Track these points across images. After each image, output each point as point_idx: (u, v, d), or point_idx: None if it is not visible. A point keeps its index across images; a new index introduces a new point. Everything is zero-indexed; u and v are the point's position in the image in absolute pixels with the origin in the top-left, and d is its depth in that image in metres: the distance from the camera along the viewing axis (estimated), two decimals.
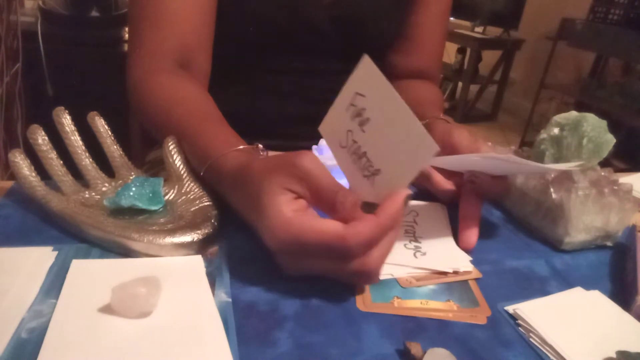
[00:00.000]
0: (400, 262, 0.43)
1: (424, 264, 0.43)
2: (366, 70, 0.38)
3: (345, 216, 0.36)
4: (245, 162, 0.42)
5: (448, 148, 0.53)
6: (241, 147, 0.45)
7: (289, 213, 0.36)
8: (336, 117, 0.41)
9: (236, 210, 0.43)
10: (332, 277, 0.38)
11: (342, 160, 0.41)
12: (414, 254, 0.45)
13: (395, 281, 0.41)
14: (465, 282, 0.43)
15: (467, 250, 0.47)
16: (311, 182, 0.37)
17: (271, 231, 0.36)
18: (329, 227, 0.35)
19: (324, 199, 0.37)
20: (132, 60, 0.59)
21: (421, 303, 0.39)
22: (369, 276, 0.37)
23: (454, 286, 0.42)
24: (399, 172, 0.37)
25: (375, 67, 0.37)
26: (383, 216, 0.35)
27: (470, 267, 0.44)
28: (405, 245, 0.46)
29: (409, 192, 0.37)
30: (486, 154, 0.47)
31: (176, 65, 0.58)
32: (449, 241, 0.48)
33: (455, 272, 0.43)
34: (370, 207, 0.37)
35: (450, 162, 0.51)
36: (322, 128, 0.43)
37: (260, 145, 0.50)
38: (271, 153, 0.48)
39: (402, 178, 0.37)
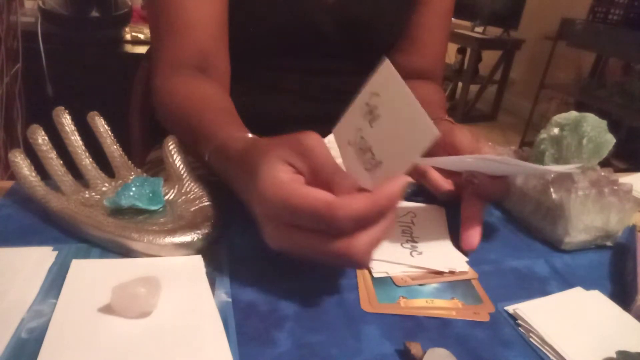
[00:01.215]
0: (395, 260, 0.43)
1: (419, 263, 0.43)
2: (385, 73, 0.38)
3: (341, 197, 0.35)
4: (251, 142, 0.42)
5: (449, 148, 0.53)
6: (250, 135, 0.46)
7: (283, 178, 0.35)
8: (350, 119, 0.41)
9: (236, 192, 0.43)
10: (316, 257, 0.36)
11: (347, 156, 0.41)
12: (410, 253, 0.45)
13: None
14: (468, 280, 0.43)
15: (469, 252, 0.46)
16: (311, 159, 0.36)
17: (261, 193, 0.35)
18: (319, 194, 0.34)
19: (322, 177, 0.36)
20: (154, 68, 0.61)
21: (427, 302, 0.39)
22: (354, 261, 0.35)
23: (457, 284, 0.42)
24: (398, 159, 0.36)
25: (394, 69, 0.37)
26: (378, 194, 0.33)
27: (466, 267, 0.44)
28: (401, 244, 0.46)
29: (409, 179, 0.35)
30: (480, 155, 0.46)
31: (195, 71, 0.60)
32: (446, 242, 0.48)
33: (451, 272, 0.43)
34: None
35: (447, 162, 0.51)
36: (336, 131, 0.43)
37: None
38: None
39: (400, 164, 0.36)
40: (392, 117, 0.37)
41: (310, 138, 0.37)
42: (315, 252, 0.35)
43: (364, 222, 0.34)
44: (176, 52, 0.60)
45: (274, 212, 0.35)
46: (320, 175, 0.36)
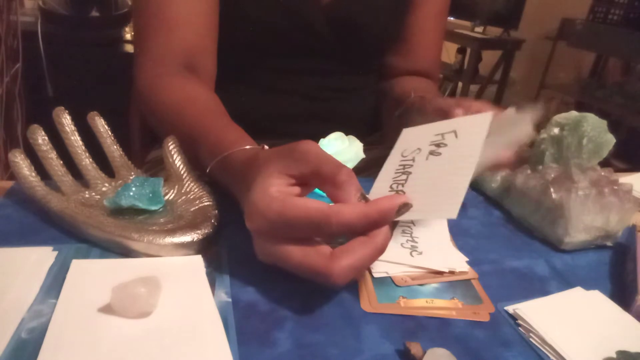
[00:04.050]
0: (395, 260, 0.43)
1: (419, 263, 0.43)
2: (479, 122, 0.39)
3: (344, 195, 0.36)
4: (253, 154, 0.43)
5: (439, 112, 0.51)
6: (248, 147, 0.46)
7: (274, 192, 0.35)
8: (422, 133, 0.42)
9: (236, 202, 0.43)
10: (298, 272, 0.36)
11: (390, 166, 0.42)
12: (410, 253, 0.45)
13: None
14: (468, 280, 0.43)
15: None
16: (310, 160, 0.36)
17: (254, 207, 0.36)
18: (313, 204, 0.34)
19: (325, 175, 0.36)
20: (138, 65, 0.60)
21: (427, 302, 0.39)
22: (331, 281, 0.34)
23: (457, 284, 0.42)
24: (415, 207, 0.36)
25: (488, 125, 0.38)
26: (372, 207, 0.34)
27: (466, 267, 0.44)
28: (401, 244, 0.46)
29: (407, 200, 0.36)
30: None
31: (182, 69, 0.59)
32: (446, 242, 0.48)
33: (451, 272, 0.43)
34: (365, 200, 0.36)
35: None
36: (406, 130, 0.44)
37: (266, 147, 0.50)
38: None
39: (410, 214, 0.36)
40: (444, 164, 0.38)
41: (304, 143, 0.37)
42: (298, 267, 0.36)
43: (354, 230, 0.35)
44: (163, 50, 0.58)
45: (266, 226, 0.36)
46: (323, 172, 0.36)
